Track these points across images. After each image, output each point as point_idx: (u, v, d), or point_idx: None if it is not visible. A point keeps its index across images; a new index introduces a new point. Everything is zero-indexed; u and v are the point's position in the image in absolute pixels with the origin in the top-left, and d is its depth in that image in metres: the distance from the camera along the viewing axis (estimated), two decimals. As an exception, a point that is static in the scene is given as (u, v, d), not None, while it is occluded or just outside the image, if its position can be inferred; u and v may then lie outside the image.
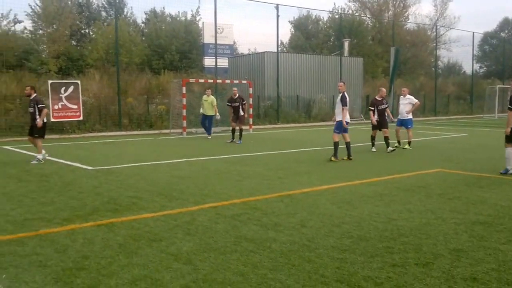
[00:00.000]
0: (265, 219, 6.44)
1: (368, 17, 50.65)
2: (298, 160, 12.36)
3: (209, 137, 18.48)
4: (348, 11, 49.72)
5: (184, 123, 19.88)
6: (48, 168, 10.85)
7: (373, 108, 14.36)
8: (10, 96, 19.81)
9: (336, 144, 12.19)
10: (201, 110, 18.78)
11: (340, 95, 12.14)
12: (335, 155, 12.10)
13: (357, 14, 50.05)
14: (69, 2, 37.19)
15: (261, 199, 7.64)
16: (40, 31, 34.06)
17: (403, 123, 15.27)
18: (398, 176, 9.88)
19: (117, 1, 36.23)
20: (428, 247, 5.32)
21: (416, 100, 15.37)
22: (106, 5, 41.03)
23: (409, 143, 15.00)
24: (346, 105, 11.99)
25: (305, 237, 5.65)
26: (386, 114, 14.34)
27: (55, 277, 4.46)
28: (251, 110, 22.05)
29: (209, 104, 18.46)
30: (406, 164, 11.64)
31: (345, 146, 12.36)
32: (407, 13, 54.26)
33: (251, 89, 22.11)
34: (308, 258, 4.96)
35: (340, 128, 12.20)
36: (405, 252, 5.16)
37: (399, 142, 15.19)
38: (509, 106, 9.76)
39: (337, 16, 42.42)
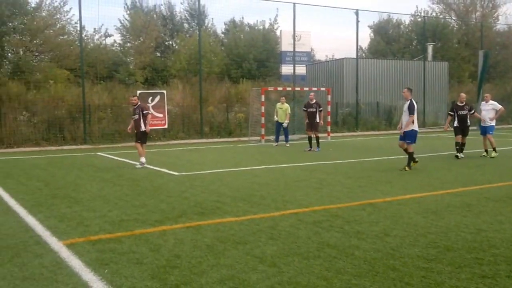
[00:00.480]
0: (347, 226, 6.47)
1: (454, 19, 48.66)
2: (379, 168, 12.19)
3: (287, 145, 18.65)
4: (431, 13, 48.02)
5: (263, 131, 20.19)
6: (139, 173, 11.49)
7: (452, 114, 14.35)
8: (102, 105, 21.10)
9: (411, 154, 11.89)
10: (276, 118, 18.94)
11: (408, 102, 11.80)
12: (409, 164, 11.84)
13: (441, 16, 48.27)
14: (154, 16, 39.04)
15: (342, 207, 7.66)
16: (128, 44, 35.99)
17: (486, 130, 14.53)
18: (487, 186, 9.49)
19: (200, 12, 37.47)
20: (521, 259, 5.12)
21: (500, 106, 14.64)
22: (188, 17, 42.57)
23: (494, 149, 14.30)
24: (413, 113, 11.66)
25: (389, 246, 5.62)
26: (468, 120, 14.24)
27: (151, 273, 4.78)
28: (329, 117, 21.97)
29: (284, 111, 18.63)
30: (496, 173, 11.14)
31: (406, 155, 12.08)
32: (496, 13, 51.31)
33: (329, 96, 22.05)
34: (392, 266, 4.95)
35: (414, 138, 11.89)
36: (495, 264, 5.00)
37: (486, 151, 14.56)
38: None
39: (419, 19, 41.19)
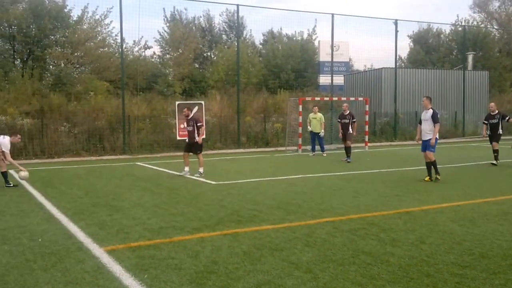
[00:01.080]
0: (383, 234, 6.52)
1: (495, 28, 47.66)
2: (416, 178, 12.09)
3: (324, 155, 18.68)
4: (472, 22, 47.21)
5: (300, 141, 20.29)
6: (177, 182, 11.80)
7: (486, 122, 15.09)
8: (141, 116, 21.66)
9: (435, 163, 11.45)
10: (309, 128, 19.01)
11: (431, 111, 11.39)
12: (437, 172, 11.45)
13: (482, 25, 47.33)
14: (193, 28, 39.83)
15: (379, 215, 7.70)
16: (167, 55, 36.83)
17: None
18: (526, 195, 9.33)
19: (238, 23, 38.05)
20: (559, 268, 5.07)
21: None
22: (227, 29, 43.23)
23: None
24: (438, 122, 11.36)
25: (424, 253, 5.65)
26: (500, 128, 14.69)
27: (189, 278, 4.97)
28: (367, 127, 21.88)
29: (318, 121, 18.69)
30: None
31: (426, 166, 11.67)
32: (539, 21, 50.11)
33: (367, 106, 21.97)
34: (427, 272, 4.99)
35: (434, 146, 11.46)
36: (532, 272, 4.97)
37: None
38: None
39: (460, 29, 40.54)
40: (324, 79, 36.06)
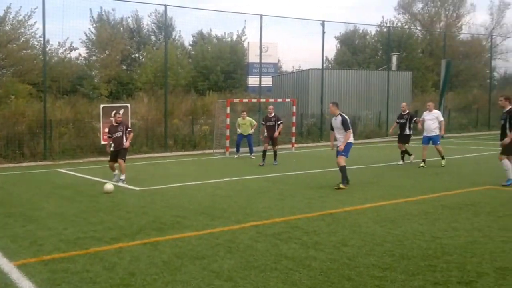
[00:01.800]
0: (306, 237, 6.48)
1: (418, 29, 49.68)
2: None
3: (253, 157, 18.65)
4: (397, 24, 48.89)
5: (227, 143, 20.15)
6: (99, 189, 11.24)
7: (398, 121, 15.51)
8: (64, 120, 20.66)
9: (344, 168, 10.81)
10: (239, 130, 18.97)
11: (340, 118, 10.91)
12: (344, 180, 10.70)
13: (406, 26, 49.21)
14: (121, 29, 38.72)
15: (303, 218, 7.68)
16: (94, 57, 35.55)
17: (433, 140, 14.51)
18: (445, 194, 9.69)
19: (167, 24, 37.43)
20: (472, 265, 5.22)
21: (442, 119, 14.69)
22: (155, 30, 42.39)
23: (442, 157, 14.40)
24: (349, 128, 10.92)
25: (345, 256, 5.65)
26: (407, 128, 15.15)
27: (102, 293, 4.66)
28: (293, 128, 22.09)
29: (248, 126, 18.70)
30: (454, 181, 11.36)
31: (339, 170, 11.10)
32: (460, 23, 52.71)
33: (295, 107, 22.18)
34: (347, 276, 4.97)
35: (347, 151, 10.94)
36: (448, 270, 5.08)
37: (424, 161, 14.31)
38: None
39: (385, 30, 41.99)
40: (253, 81, 36.17)
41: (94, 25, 36.27)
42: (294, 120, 22.20)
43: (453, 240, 6.20)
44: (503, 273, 4.95)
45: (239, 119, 18.96)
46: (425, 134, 14.66)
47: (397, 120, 15.77)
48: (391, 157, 16.51)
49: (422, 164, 14.20)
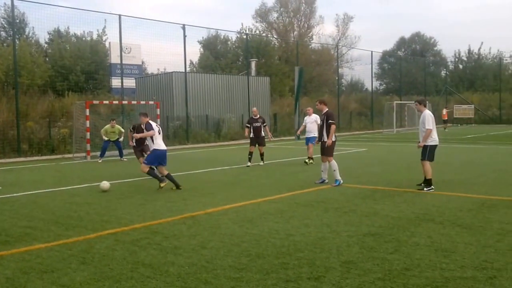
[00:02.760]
0: (166, 242, 6.41)
1: (275, 37, 52.18)
2: (204, 180, 12.42)
3: (124, 159, 18.17)
4: (255, 31, 50.93)
5: (88, 147, 19.25)
6: None
7: (249, 126, 16.01)
8: None
9: (150, 172, 10.97)
10: (105, 138, 18.31)
11: (144, 124, 11.11)
12: (159, 179, 10.91)
13: (264, 34, 51.40)
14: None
15: (163, 222, 7.60)
16: None
17: (310, 140, 15.88)
18: (299, 192, 10.24)
19: (17, 20, 34.59)
20: (321, 260, 5.56)
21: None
22: (5, 25, 38.94)
23: (311, 158, 15.72)
24: (150, 130, 10.90)
25: (204, 259, 5.69)
26: (263, 131, 15.88)
27: None
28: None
29: (116, 134, 18.30)
30: (308, 180, 12.04)
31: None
32: (311, 33, 56.64)
33: (158, 109, 21.89)
34: (205, 279, 5.01)
35: (149, 158, 11.04)
36: (299, 267, 5.36)
37: (311, 158, 15.73)
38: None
39: (244, 37, 43.30)
40: (116, 82, 34.87)
41: None
42: (159, 123, 21.87)
43: (305, 237, 6.56)
44: (348, 266, 5.35)
45: (107, 127, 18.26)
46: (306, 135, 16.13)
47: (249, 124, 16.10)
48: (254, 158, 17.01)
49: (311, 161, 15.58)
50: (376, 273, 5.11)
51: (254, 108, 17.05)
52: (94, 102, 21.04)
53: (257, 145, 15.90)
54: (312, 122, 15.99)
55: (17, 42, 25.38)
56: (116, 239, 6.62)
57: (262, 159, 16.02)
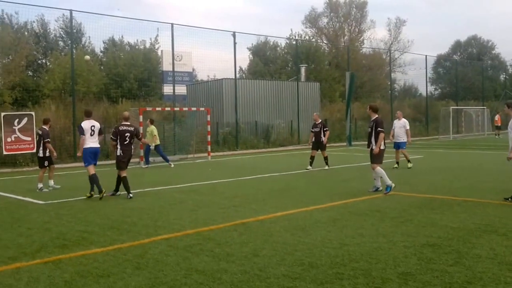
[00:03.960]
0: (218, 249, 6.39)
1: (325, 43, 51.83)
2: (255, 187, 12.38)
3: (172, 165, 18.45)
4: (304, 37, 50.74)
5: (141, 152, 19.65)
6: (-4, 203, 10.52)
7: (312, 131, 16.51)
8: (-41, 129, 19.11)
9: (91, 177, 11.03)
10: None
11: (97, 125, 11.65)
12: (93, 189, 10.99)
13: (313, 40, 51.14)
14: (26, 33, 36.62)
15: (215, 229, 7.59)
16: (-5, 63, 33.26)
17: (400, 146, 16.11)
18: (352, 200, 10.01)
19: (74, 30, 35.87)
20: (377, 271, 5.38)
21: (408, 127, 16.31)
22: (63, 35, 40.56)
23: (409, 161, 16.02)
24: (83, 134, 11.27)
25: (256, 267, 5.63)
26: (322, 136, 16.16)
27: (-7, 321, 4.29)
28: (209, 137, 22.03)
29: (150, 134, 18.65)
30: (361, 188, 11.77)
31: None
32: (362, 38, 55.84)
33: (209, 116, 22.12)
34: (258, 288, 4.94)
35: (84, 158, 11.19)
36: (354, 277, 5.20)
37: (397, 163, 16.05)
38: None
39: (294, 42, 43.23)
40: (168, 89, 35.59)
41: (-5, 28, 34.03)
42: (209, 129, 22.16)
43: (360, 247, 6.38)
44: (405, 278, 5.14)
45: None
46: (394, 140, 16.22)
47: (312, 130, 16.64)
48: (303, 164, 16.90)
49: (396, 165, 15.85)
50: (435, 286, 4.89)
51: (315, 114, 17.42)
52: (147, 109, 21.49)
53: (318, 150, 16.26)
54: (400, 127, 16.11)
55: (74, 52, 26.26)
56: (169, 245, 6.66)
57: (326, 163, 16.30)
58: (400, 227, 7.51)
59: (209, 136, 21.98)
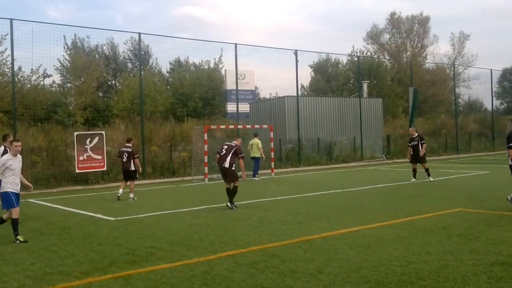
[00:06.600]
0: (283, 266, 6.43)
1: (387, 59, 51.02)
2: (318, 203, 12.32)
3: (256, 179, 19.53)
4: (366, 53, 50.22)
5: (206, 170, 20.07)
6: (71, 220, 11.05)
7: (409, 145, 17.27)
8: (37, 148, 20.32)
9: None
10: (251, 154, 20.37)
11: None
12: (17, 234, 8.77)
13: (375, 56, 50.49)
14: (97, 56, 38.60)
15: (280, 246, 7.64)
16: (68, 84, 35.22)
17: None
18: (418, 217, 9.77)
19: (142, 52, 37.41)
20: (446, 291, 5.24)
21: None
22: (132, 57, 42.38)
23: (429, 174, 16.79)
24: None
25: (322, 284, 5.62)
26: (420, 149, 16.80)
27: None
28: (272, 154, 22.17)
29: (256, 147, 20.41)
30: (426, 204, 11.48)
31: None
32: (425, 53, 54.55)
33: (272, 133, 22.30)
34: (323, 305, 4.93)
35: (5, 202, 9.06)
36: (422, 297, 5.09)
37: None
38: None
39: (356, 59, 42.89)
40: (231, 107, 36.24)
41: (69, 52, 36.07)
42: (272, 146, 22.32)
43: (427, 265, 6.23)
44: (476, 297, 4.98)
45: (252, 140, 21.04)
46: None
47: (409, 144, 17.38)
48: (367, 181, 16.65)
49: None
50: (510, 308, 4.69)
51: (411, 128, 18.64)
52: (212, 127, 21.97)
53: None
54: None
55: (142, 73, 27.37)
56: (235, 261, 6.77)
57: (428, 174, 16.86)
58: (468, 244, 7.26)
59: (272, 153, 22.12)
